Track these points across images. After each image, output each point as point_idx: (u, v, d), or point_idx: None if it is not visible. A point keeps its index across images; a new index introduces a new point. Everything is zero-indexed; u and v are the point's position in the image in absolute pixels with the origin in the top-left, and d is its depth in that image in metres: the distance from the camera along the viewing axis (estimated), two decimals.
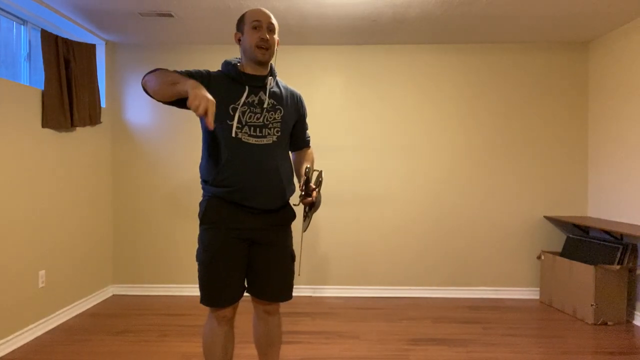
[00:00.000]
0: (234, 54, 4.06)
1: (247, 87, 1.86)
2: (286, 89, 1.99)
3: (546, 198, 4.05)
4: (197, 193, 4.10)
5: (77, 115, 3.41)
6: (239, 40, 1.93)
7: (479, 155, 4.08)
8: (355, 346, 2.93)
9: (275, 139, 1.88)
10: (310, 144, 2.15)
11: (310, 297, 4.03)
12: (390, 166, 4.09)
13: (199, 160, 3.97)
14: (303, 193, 1.85)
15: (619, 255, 3.39)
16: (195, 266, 4.07)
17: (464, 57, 4.07)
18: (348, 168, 4.08)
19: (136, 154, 4.13)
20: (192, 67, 4.07)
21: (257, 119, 1.85)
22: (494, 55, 4.07)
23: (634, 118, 3.46)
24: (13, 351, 2.83)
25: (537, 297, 4.04)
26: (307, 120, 2.13)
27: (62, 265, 3.38)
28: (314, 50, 4.09)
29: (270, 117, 1.87)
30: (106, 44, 4.01)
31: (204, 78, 1.84)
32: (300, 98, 2.05)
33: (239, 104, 1.83)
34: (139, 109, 4.13)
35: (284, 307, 3.74)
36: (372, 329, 3.24)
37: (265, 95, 1.87)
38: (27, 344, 2.95)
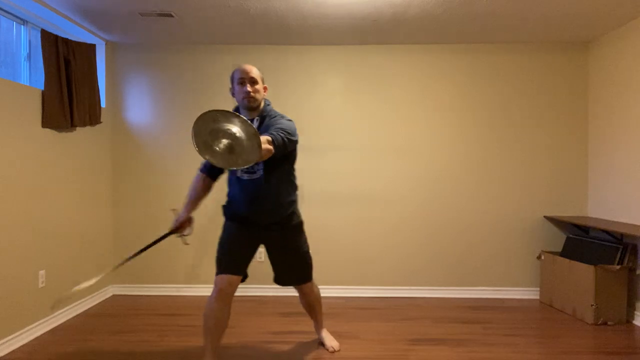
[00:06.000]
0: (233, 53, 4.07)
1: None
2: (270, 119, 2.39)
3: (546, 198, 4.05)
4: None
5: (77, 115, 3.41)
6: (232, 94, 2.44)
7: (479, 155, 4.08)
8: (355, 346, 2.93)
9: (262, 173, 2.36)
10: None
11: None
12: (389, 166, 4.09)
13: (198, 160, 4.08)
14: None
15: (619, 255, 3.39)
16: (194, 266, 4.12)
17: (464, 57, 4.07)
18: (348, 168, 4.08)
19: (136, 154, 4.13)
20: (192, 68, 4.08)
21: None
22: (494, 55, 4.07)
23: (634, 118, 3.46)
24: (13, 351, 2.83)
25: (537, 297, 4.04)
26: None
27: (62, 265, 3.38)
28: (314, 51, 4.09)
29: None
30: (106, 44, 4.01)
31: None
32: (269, 122, 2.38)
33: None
34: (139, 109, 4.13)
35: (283, 307, 3.74)
36: (372, 329, 3.24)
37: None
38: (27, 344, 2.95)
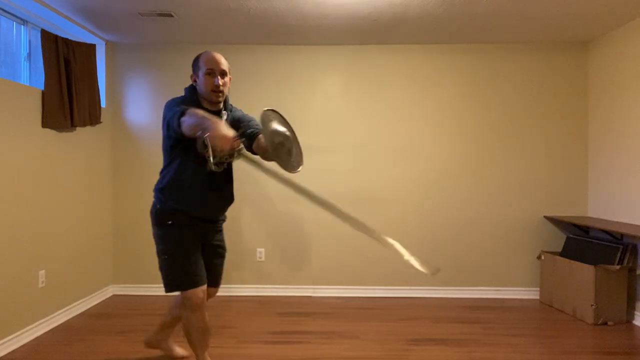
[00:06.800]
0: (233, 53, 4.06)
1: None
2: (236, 111, 2.31)
3: (546, 198, 4.05)
4: None
5: (77, 115, 3.41)
6: (194, 81, 2.20)
7: (479, 155, 4.08)
8: (355, 346, 2.93)
9: (225, 166, 2.16)
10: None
11: (310, 297, 4.03)
12: (389, 166, 4.09)
13: None
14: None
15: (619, 255, 3.38)
16: None
17: (464, 57, 4.07)
18: (348, 168, 4.08)
19: (136, 154, 4.13)
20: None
21: None
22: (494, 55, 4.06)
23: (634, 118, 3.46)
24: (13, 351, 2.83)
25: (537, 297, 4.04)
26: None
27: (62, 265, 3.38)
28: (314, 51, 4.09)
29: None
30: (106, 44, 4.01)
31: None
32: (234, 115, 2.28)
33: None
34: (139, 109, 4.13)
35: (283, 307, 3.75)
36: (372, 329, 3.24)
37: None
38: (27, 344, 2.95)
